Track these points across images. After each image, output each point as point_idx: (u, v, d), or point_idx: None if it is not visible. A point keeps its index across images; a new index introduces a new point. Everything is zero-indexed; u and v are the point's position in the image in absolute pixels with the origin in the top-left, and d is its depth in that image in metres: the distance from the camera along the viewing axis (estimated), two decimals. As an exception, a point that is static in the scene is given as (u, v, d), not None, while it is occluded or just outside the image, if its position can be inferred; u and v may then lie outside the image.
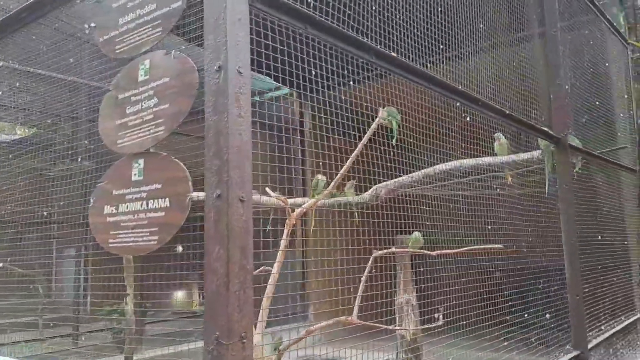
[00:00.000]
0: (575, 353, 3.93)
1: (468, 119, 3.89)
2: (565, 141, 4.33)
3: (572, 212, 4.25)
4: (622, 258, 5.54)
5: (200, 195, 1.66)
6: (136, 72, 1.89)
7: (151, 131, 1.80)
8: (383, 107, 4.02)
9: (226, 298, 1.57)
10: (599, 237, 4.89)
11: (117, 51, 1.94)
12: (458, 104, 3.38)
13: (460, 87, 3.22)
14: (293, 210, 3.88)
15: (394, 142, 4.25)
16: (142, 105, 1.84)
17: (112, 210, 1.87)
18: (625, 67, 5.53)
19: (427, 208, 4.16)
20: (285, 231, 3.80)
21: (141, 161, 1.82)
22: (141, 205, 1.78)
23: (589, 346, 4.11)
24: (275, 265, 3.70)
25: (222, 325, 1.56)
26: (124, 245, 1.82)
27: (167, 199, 1.72)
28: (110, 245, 1.87)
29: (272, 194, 4.02)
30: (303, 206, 3.99)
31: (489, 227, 4.17)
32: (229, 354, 1.57)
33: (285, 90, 7.41)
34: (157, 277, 3.57)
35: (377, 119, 4.02)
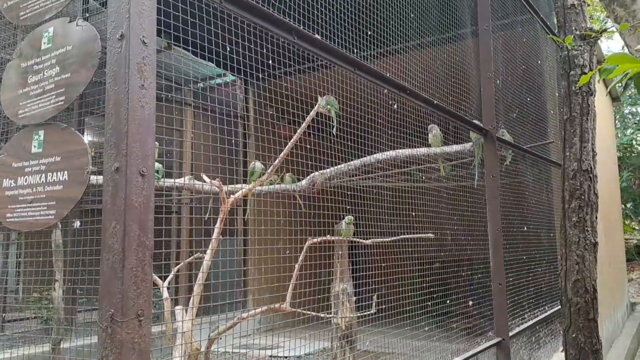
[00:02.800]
0: (496, 340, 4.05)
1: (395, 106, 3.93)
2: (494, 134, 4.43)
3: (497, 203, 4.36)
4: (548, 250, 5.74)
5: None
6: (40, 40, 1.80)
7: (52, 101, 1.72)
8: (322, 96, 4.02)
9: (121, 275, 1.52)
10: (525, 228, 5.03)
11: (21, 17, 1.85)
12: (386, 91, 3.38)
13: (387, 74, 3.19)
14: (228, 197, 3.85)
15: (334, 131, 4.25)
16: (44, 75, 1.75)
17: (10, 184, 1.79)
18: (557, 66, 5.71)
19: (363, 201, 4.22)
20: (219, 217, 3.75)
21: (42, 133, 1.74)
22: (40, 178, 1.70)
23: (511, 334, 4.24)
24: (208, 252, 3.55)
25: (116, 303, 1.52)
26: (22, 220, 1.74)
27: (65, 172, 1.65)
28: (8, 220, 1.78)
29: (207, 179, 3.98)
30: (238, 193, 3.95)
31: (419, 217, 4.24)
32: (124, 332, 1.53)
33: (231, 77, 7.29)
34: (88, 261, 3.44)
35: (316, 106, 4.02)
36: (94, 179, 1.77)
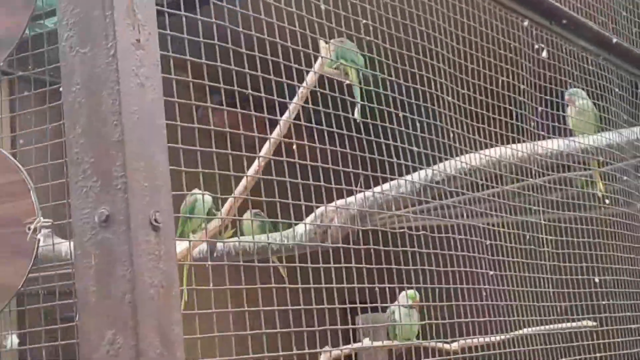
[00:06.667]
0: None
1: (545, 54, 2.83)
2: None
3: None
4: None
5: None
6: None
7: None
8: (327, 42, 2.59)
9: None
10: None
11: None
12: (526, 22, 2.50)
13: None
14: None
15: (357, 115, 2.74)
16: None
17: None
18: None
19: (434, 262, 2.59)
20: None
21: None
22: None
23: None
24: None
25: None
26: None
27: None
28: None
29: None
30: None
31: (561, 285, 2.78)
32: None
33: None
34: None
35: (316, 65, 2.83)
36: (49, 243, 1.36)
